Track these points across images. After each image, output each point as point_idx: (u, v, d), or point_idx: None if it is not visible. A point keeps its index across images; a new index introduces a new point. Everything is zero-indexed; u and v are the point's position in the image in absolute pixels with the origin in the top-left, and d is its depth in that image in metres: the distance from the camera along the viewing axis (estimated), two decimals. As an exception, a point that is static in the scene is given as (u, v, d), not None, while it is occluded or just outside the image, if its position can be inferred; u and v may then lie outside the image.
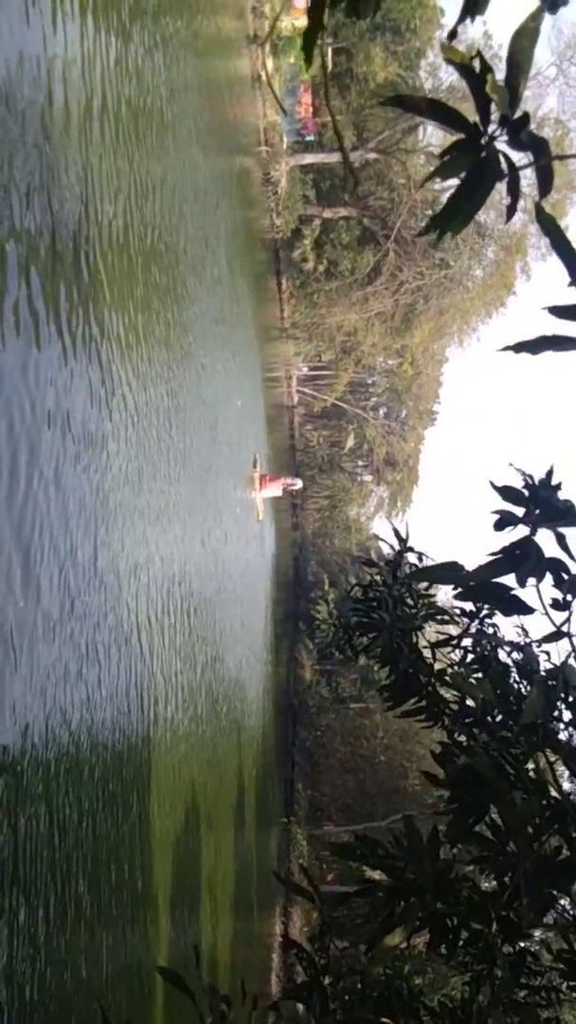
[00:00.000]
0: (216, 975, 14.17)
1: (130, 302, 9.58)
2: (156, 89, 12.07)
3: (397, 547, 6.68)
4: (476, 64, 2.47)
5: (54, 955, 6.33)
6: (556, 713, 4.56)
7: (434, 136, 47.99)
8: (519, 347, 2.55)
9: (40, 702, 6.27)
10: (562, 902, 4.65)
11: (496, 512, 3.30)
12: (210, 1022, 4.03)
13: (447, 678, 5.18)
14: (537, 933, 5.98)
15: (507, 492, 3.33)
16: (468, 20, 2.67)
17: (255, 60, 34.47)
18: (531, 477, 3.43)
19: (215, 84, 21.69)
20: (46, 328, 6.51)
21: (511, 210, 2.70)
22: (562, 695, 4.43)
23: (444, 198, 48.60)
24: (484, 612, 5.83)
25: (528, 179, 2.68)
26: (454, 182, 2.73)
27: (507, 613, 3.19)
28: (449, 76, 48.26)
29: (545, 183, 2.46)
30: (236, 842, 19.18)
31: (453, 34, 2.98)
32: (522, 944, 4.68)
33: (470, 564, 3.21)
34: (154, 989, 9.66)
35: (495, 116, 2.50)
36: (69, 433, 7.08)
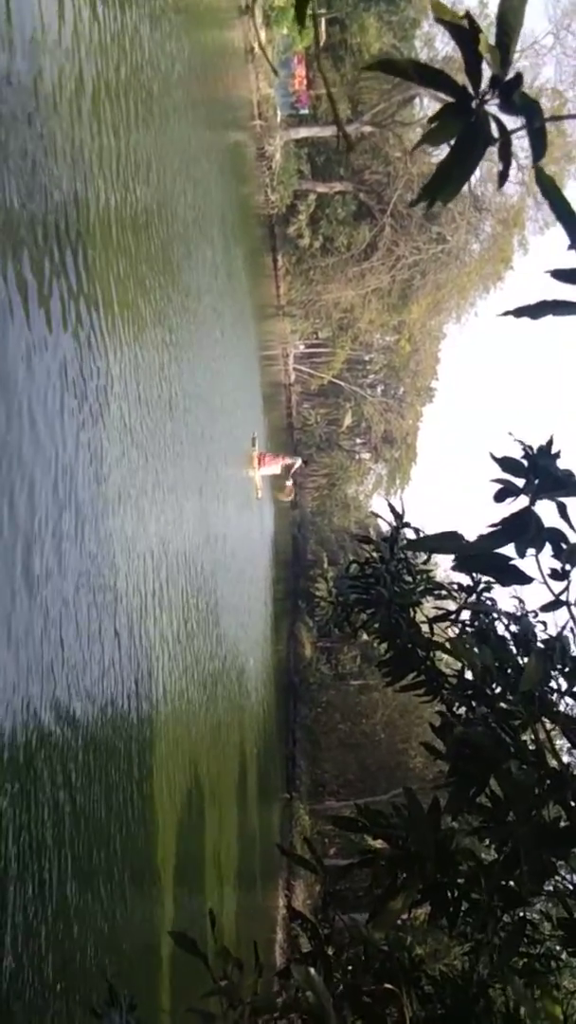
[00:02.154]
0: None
1: (114, 280, 9.50)
2: (145, 59, 11.90)
3: (394, 523, 6.65)
4: (466, 24, 2.38)
5: (59, 929, 6.40)
6: (554, 684, 4.58)
7: (431, 108, 47.40)
8: (520, 311, 2.51)
9: (35, 678, 6.29)
10: (562, 872, 4.69)
11: (496, 482, 3.29)
12: (224, 984, 4.09)
13: (447, 644, 5.18)
14: (538, 906, 6.05)
15: (506, 463, 3.32)
16: None
17: (247, 31, 33.91)
18: (530, 447, 3.42)
19: (207, 56, 21.38)
20: (31, 303, 6.46)
21: (503, 176, 2.63)
22: (559, 665, 4.45)
23: (440, 171, 48.17)
24: (482, 586, 5.83)
25: (523, 147, 2.62)
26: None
27: (505, 583, 3.19)
28: (444, 47, 47.63)
29: (538, 147, 2.38)
30: (239, 818, 19.37)
31: None
32: (522, 913, 4.73)
33: (469, 538, 3.19)
34: (160, 960, 9.80)
35: (486, 79, 2.41)
36: (51, 409, 7.04)
